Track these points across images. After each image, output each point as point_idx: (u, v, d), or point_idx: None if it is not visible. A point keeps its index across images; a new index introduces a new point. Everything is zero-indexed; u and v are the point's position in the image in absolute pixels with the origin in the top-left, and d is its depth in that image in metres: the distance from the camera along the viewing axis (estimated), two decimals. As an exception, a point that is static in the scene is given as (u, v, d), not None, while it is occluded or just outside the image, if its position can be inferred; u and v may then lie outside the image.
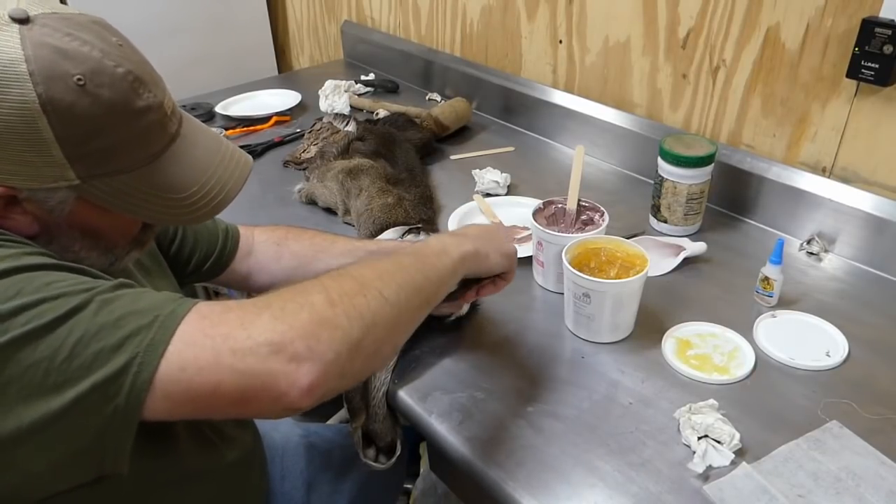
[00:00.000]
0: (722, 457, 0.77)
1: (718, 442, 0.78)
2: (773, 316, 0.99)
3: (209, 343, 0.55)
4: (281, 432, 1.08)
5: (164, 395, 0.54)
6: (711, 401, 0.82)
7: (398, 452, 0.92)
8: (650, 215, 1.24)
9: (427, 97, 1.82)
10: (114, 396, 0.53)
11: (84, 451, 0.54)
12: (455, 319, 0.99)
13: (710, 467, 0.76)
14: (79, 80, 0.57)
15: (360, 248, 1.00)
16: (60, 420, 0.52)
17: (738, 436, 0.78)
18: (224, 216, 1.06)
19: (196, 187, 0.66)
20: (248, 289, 1.09)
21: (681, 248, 1.12)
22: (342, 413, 1.21)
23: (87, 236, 0.65)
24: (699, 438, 0.78)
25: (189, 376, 0.55)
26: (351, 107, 1.75)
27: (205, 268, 0.97)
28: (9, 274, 0.55)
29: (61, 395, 0.52)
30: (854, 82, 1.07)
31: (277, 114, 1.72)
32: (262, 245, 1.02)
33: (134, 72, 0.61)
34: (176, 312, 0.57)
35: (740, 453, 0.78)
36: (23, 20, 0.57)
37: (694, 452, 0.77)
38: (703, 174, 1.15)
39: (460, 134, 1.62)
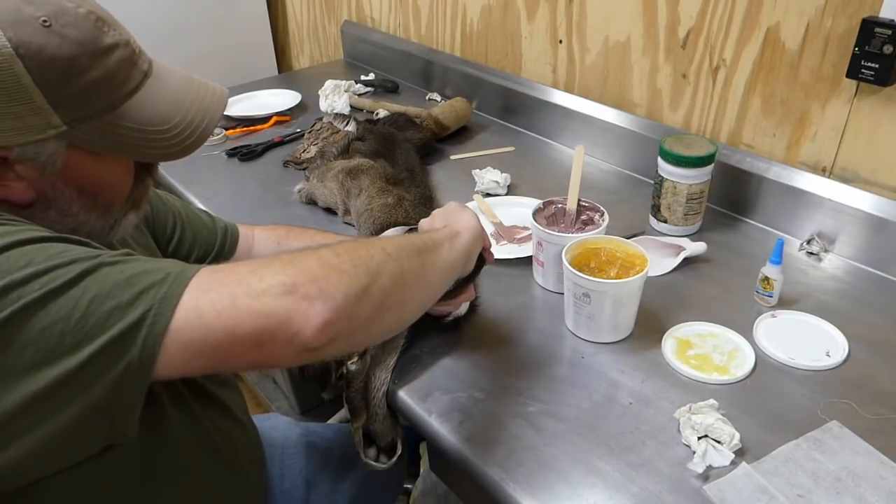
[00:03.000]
0: (722, 457, 0.77)
1: (718, 442, 0.78)
2: (773, 316, 0.99)
3: (224, 289, 0.57)
4: (280, 431, 1.08)
5: (181, 345, 0.55)
6: (711, 401, 0.82)
7: (399, 452, 0.92)
8: (650, 215, 1.24)
9: (427, 97, 1.82)
10: (128, 350, 0.54)
11: (95, 411, 0.54)
12: (454, 319, 0.99)
13: (710, 467, 0.76)
14: (44, 21, 0.59)
15: None
16: (75, 378, 0.53)
17: (738, 436, 0.78)
18: (225, 215, 1.06)
19: (178, 118, 0.68)
20: None
21: (681, 248, 1.12)
22: (342, 413, 1.21)
23: (83, 194, 0.66)
24: (699, 438, 0.78)
25: (207, 321, 0.56)
26: (351, 107, 1.75)
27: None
28: (18, 245, 0.56)
29: (77, 354, 0.53)
30: (854, 82, 1.07)
31: (277, 114, 1.72)
32: (263, 243, 1.02)
33: (95, 12, 0.63)
34: (186, 270, 0.58)
35: (740, 453, 0.78)
36: None
37: (694, 452, 0.77)
38: (703, 174, 1.15)
39: (460, 134, 1.62)
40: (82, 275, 0.55)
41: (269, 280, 0.58)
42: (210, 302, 0.56)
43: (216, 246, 0.98)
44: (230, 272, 0.59)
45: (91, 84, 0.61)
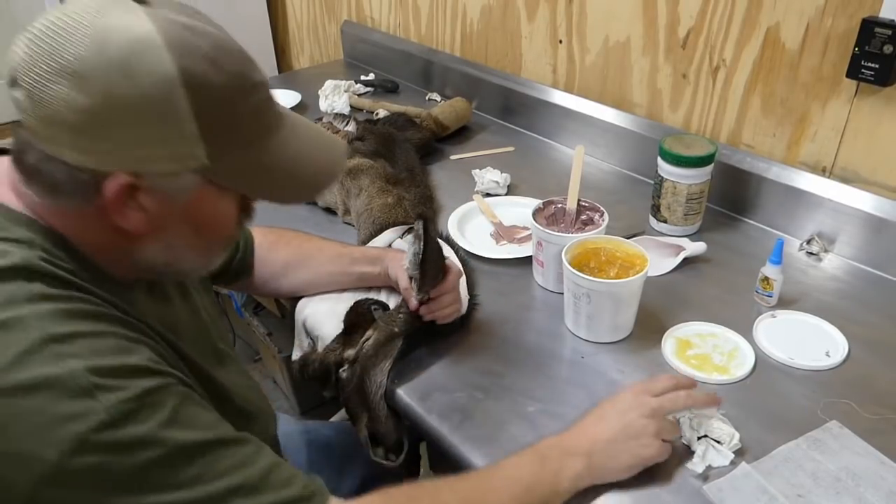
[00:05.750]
0: (722, 457, 0.77)
1: (718, 442, 0.78)
2: (773, 316, 0.99)
3: None
4: (280, 428, 1.07)
5: None
6: (711, 401, 0.82)
7: (406, 449, 0.92)
8: (650, 215, 1.24)
9: (427, 97, 1.82)
10: None
11: None
12: (458, 318, 0.99)
13: (709, 467, 0.76)
14: (207, 53, 0.58)
15: (347, 256, 1.01)
16: None
17: (737, 436, 0.78)
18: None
19: (306, 162, 0.68)
20: (241, 289, 1.09)
21: (681, 248, 1.12)
22: (343, 412, 1.21)
23: (194, 232, 0.65)
24: (699, 438, 0.78)
25: None
26: (351, 107, 1.75)
27: (229, 270, 0.97)
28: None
29: None
30: (854, 82, 1.07)
31: (277, 114, 1.72)
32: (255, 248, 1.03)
33: (243, 50, 0.63)
34: None
35: (740, 453, 0.78)
36: (143, 1, 0.58)
37: (694, 452, 0.77)
38: (702, 174, 1.15)
39: (460, 134, 1.62)
40: None
41: None
42: None
43: (239, 253, 0.97)
44: None
45: (238, 119, 0.61)
